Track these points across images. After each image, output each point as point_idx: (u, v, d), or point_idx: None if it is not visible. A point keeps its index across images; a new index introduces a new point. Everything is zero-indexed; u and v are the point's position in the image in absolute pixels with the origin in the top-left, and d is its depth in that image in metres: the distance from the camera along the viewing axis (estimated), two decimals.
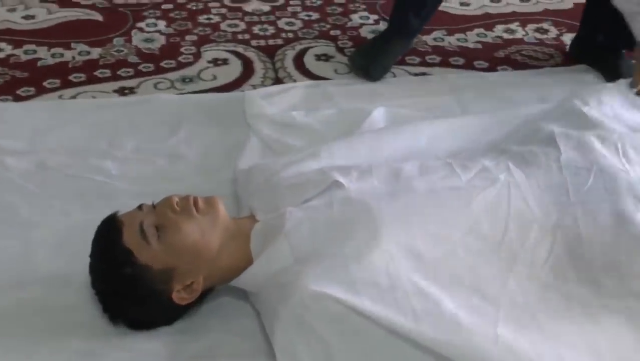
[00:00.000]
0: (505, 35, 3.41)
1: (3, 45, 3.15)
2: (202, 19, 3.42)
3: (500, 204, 2.06)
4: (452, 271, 1.95)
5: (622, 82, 2.72)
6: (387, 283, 1.88)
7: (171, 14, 3.43)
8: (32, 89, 2.92)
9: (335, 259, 1.92)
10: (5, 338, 2.00)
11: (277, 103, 2.84)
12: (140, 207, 2.02)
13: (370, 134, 2.55)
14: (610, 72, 3.03)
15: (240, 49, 3.24)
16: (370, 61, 3.08)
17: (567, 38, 3.34)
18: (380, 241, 1.93)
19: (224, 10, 3.48)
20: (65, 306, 2.08)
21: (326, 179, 2.15)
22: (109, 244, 1.97)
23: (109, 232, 1.98)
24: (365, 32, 3.37)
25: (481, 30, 3.43)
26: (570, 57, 3.25)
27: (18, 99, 2.87)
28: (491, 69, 3.18)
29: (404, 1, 3.13)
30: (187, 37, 3.29)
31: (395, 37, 3.14)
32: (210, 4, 3.52)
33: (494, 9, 3.60)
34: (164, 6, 3.48)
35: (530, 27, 3.46)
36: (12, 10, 3.36)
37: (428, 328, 1.80)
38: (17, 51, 3.12)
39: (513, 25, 3.48)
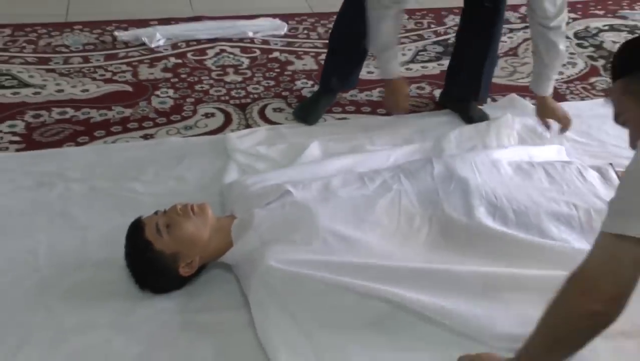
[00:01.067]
0: None
1: (68, 109, 3.10)
2: (197, 87, 3.38)
3: (394, 204, 2.10)
4: (365, 247, 1.98)
5: (482, 124, 2.88)
6: (322, 258, 1.92)
7: (177, 85, 3.40)
8: (87, 137, 2.89)
9: (288, 244, 1.96)
10: (71, 301, 2.00)
11: (248, 141, 2.82)
12: (156, 212, 2.04)
13: (309, 164, 2.55)
14: (464, 115, 3.08)
15: (222, 106, 3.21)
16: (306, 113, 3.08)
17: (437, 92, 3.35)
18: (317, 231, 1.97)
19: (211, 81, 3.45)
20: (109, 280, 2.07)
21: (281, 189, 2.18)
22: (136, 238, 1.99)
23: (136, 230, 2.01)
24: (305, 93, 3.36)
25: (381, 88, 3.41)
26: (439, 105, 3.27)
27: (78, 145, 2.83)
28: (388, 114, 3.17)
29: (329, 69, 3.12)
30: (187, 100, 3.26)
31: (324, 95, 3.14)
32: (202, 78, 3.48)
33: None
34: (172, 80, 3.44)
35: (413, 85, 3.45)
36: (74, 86, 3.32)
37: (347, 280, 1.85)
38: (77, 113, 3.07)
39: None
